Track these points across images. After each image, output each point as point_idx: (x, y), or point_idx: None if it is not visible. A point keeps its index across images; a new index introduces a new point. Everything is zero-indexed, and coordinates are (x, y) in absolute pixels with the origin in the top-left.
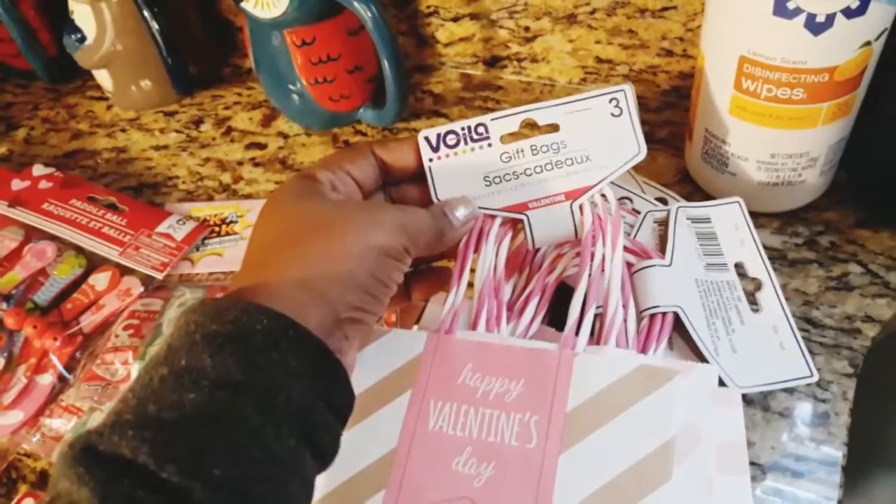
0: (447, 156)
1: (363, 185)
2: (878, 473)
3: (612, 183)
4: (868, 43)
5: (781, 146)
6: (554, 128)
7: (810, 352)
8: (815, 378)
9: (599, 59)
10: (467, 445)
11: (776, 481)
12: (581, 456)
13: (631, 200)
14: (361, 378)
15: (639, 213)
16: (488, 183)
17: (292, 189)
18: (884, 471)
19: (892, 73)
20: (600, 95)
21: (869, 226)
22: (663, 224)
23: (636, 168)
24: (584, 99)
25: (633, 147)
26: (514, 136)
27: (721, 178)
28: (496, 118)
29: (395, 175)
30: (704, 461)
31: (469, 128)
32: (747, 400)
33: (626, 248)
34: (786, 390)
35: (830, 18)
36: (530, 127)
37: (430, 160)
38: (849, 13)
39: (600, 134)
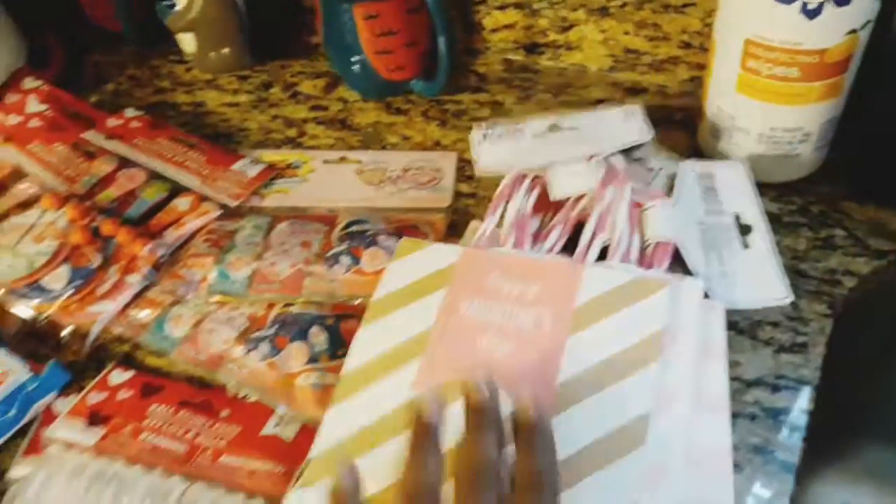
0: (490, 143)
1: None
2: (857, 441)
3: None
4: (854, 31)
5: (779, 120)
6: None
7: (796, 296)
8: (790, 299)
9: (627, 49)
10: (490, 329)
11: (757, 393)
12: (584, 340)
13: (646, 160)
14: (406, 275)
15: (653, 170)
16: (520, 154)
17: None
18: (864, 439)
19: (879, 68)
20: (615, 109)
21: (856, 200)
22: (673, 178)
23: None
24: (600, 111)
25: (642, 132)
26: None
27: (727, 149)
28: (531, 122)
29: None
30: (687, 349)
31: (510, 129)
32: (738, 329)
33: (638, 192)
34: (771, 323)
35: (821, 6)
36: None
37: (477, 144)
38: (838, 1)
39: (613, 128)
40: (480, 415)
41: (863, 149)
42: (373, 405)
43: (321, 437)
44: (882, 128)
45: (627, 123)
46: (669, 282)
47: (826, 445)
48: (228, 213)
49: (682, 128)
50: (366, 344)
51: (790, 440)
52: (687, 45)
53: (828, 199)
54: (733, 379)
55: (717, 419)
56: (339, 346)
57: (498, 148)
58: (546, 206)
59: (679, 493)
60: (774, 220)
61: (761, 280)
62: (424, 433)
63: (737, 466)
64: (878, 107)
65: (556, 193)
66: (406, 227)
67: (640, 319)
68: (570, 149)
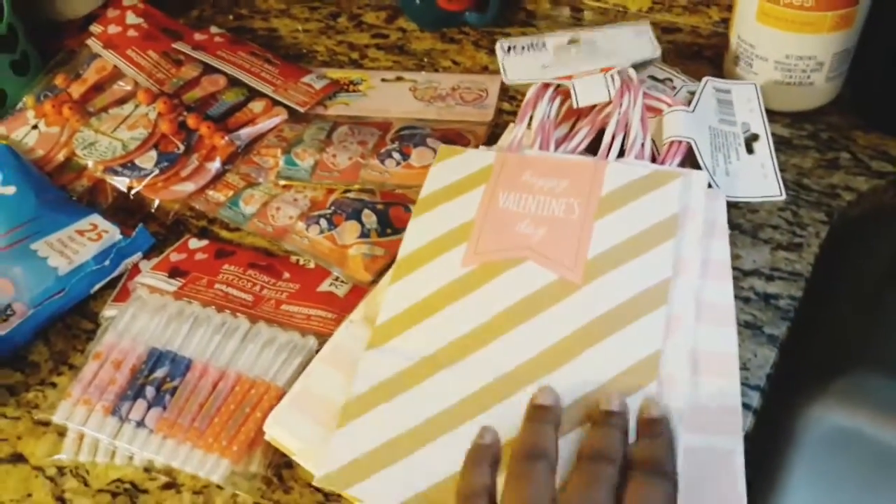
0: (515, 56)
1: None
2: (854, 366)
3: (657, 66)
4: None
5: (794, 48)
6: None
7: (796, 206)
8: (783, 197)
9: None
10: (527, 217)
11: (753, 281)
12: (610, 222)
13: (671, 80)
14: (446, 176)
15: (675, 88)
16: (543, 67)
17: None
18: (860, 364)
19: (890, 8)
20: (627, 26)
21: (864, 130)
22: (693, 93)
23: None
24: (613, 26)
25: (651, 50)
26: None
27: (747, 76)
28: (551, 37)
29: None
30: (696, 227)
31: (532, 43)
32: (742, 230)
33: (660, 99)
34: (772, 226)
35: None
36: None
37: (503, 58)
38: None
39: (625, 43)
40: (608, 416)
41: (873, 81)
42: (426, 282)
43: (384, 312)
44: (891, 61)
45: (639, 39)
46: (681, 173)
47: (823, 369)
48: (296, 119)
49: (710, 63)
50: (416, 233)
51: (778, 319)
52: None
53: (837, 128)
54: (733, 268)
55: (722, 283)
56: (386, 226)
57: (523, 60)
58: (571, 113)
59: (690, 342)
60: (785, 143)
61: (759, 179)
62: (478, 450)
63: None
64: (888, 41)
65: (578, 102)
66: (452, 133)
67: (658, 204)
68: (588, 62)
